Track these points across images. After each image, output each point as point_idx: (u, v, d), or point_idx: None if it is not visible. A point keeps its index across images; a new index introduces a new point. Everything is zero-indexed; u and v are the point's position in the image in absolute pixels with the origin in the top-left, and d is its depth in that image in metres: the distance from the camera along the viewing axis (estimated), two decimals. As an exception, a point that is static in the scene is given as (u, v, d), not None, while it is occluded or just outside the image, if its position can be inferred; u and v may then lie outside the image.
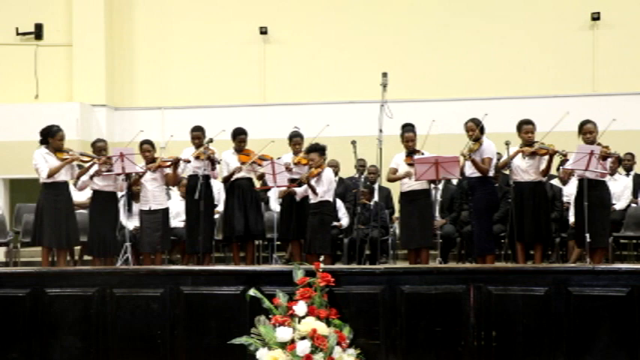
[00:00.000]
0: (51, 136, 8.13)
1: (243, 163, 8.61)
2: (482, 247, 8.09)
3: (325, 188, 8.33)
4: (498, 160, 8.43)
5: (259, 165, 8.63)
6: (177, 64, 13.18)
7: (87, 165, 8.36)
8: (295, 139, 8.86)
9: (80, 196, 9.13)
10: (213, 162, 8.56)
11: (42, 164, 8.02)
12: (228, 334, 5.24)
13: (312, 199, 8.32)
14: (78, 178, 8.46)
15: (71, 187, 8.59)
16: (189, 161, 8.63)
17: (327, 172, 8.46)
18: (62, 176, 8.14)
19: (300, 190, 8.43)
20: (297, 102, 12.50)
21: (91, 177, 8.42)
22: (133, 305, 5.61)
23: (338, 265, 8.03)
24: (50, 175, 8.00)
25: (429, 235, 8.17)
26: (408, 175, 8.08)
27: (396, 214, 9.48)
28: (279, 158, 8.73)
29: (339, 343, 5.04)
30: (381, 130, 7.44)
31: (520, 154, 7.90)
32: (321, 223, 8.31)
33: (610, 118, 7.69)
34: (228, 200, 8.78)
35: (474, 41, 12.56)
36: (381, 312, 5.33)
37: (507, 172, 8.12)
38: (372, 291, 5.36)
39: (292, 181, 8.51)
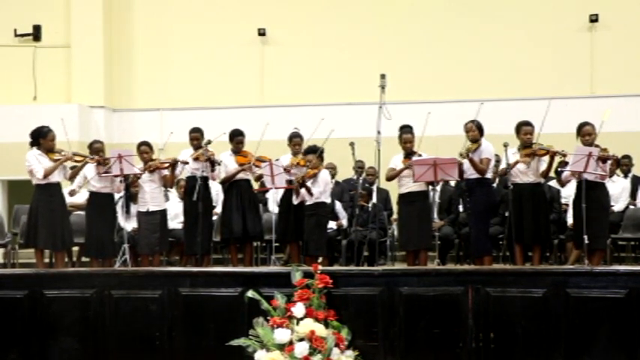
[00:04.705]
0: (42, 137, 8.13)
1: (242, 165, 8.61)
2: (480, 249, 8.10)
3: (321, 189, 8.34)
4: (498, 162, 8.44)
5: (257, 166, 8.64)
6: (175, 66, 13.17)
7: (80, 164, 8.36)
8: (295, 139, 8.85)
9: (77, 197, 9.13)
10: (213, 163, 8.55)
11: (36, 165, 8.02)
12: (226, 336, 5.24)
13: (308, 201, 8.32)
14: (71, 178, 8.46)
15: (65, 190, 8.59)
16: (187, 163, 8.63)
17: (324, 174, 8.47)
18: (55, 177, 8.15)
19: (300, 192, 8.40)
20: (296, 103, 12.49)
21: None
22: (131, 306, 5.61)
23: (336, 267, 8.03)
24: (46, 175, 8.00)
25: (427, 236, 8.17)
26: (409, 166, 8.02)
27: (395, 216, 9.48)
28: (277, 159, 8.73)
29: (337, 345, 5.04)
30: (379, 132, 7.44)
31: (518, 156, 7.92)
32: (316, 225, 8.32)
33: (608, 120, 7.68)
34: (226, 202, 8.78)
35: (472, 43, 12.58)
36: (380, 313, 5.33)
37: (507, 174, 8.11)
38: (370, 292, 5.37)
39: (290, 182, 8.51)
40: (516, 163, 7.86)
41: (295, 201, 8.46)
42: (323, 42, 12.89)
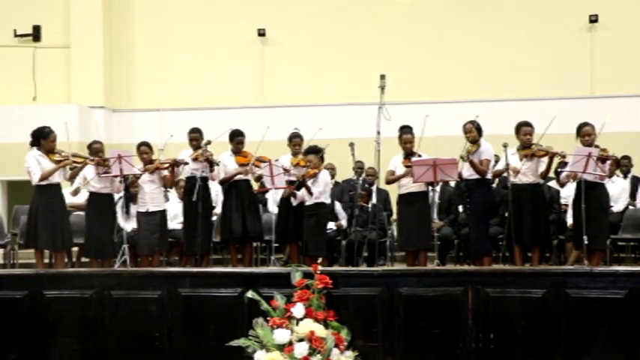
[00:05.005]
0: (43, 138, 8.12)
1: (242, 165, 8.61)
2: (479, 249, 8.10)
3: (321, 189, 8.35)
4: (496, 162, 8.44)
5: (257, 167, 8.64)
6: (175, 66, 13.18)
7: (79, 166, 8.35)
8: (295, 139, 8.86)
9: (77, 198, 9.14)
10: (211, 164, 8.55)
11: (34, 167, 8.00)
12: (226, 336, 5.23)
13: (308, 201, 8.32)
14: (71, 178, 8.46)
15: (65, 190, 8.59)
16: (186, 163, 8.63)
17: (324, 174, 8.48)
18: (55, 178, 8.14)
19: (299, 194, 8.41)
20: (296, 104, 12.49)
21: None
22: (131, 307, 5.61)
23: (336, 267, 8.02)
24: (42, 179, 7.98)
25: (427, 237, 8.17)
26: (407, 173, 8.06)
27: (394, 216, 9.48)
28: (276, 160, 8.73)
29: (336, 345, 5.04)
30: (379, 132, 7.45)
31: (517, 156, 7.94)
32: (316, 225, 8.32)
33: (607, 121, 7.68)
34: (226, 202, 8.78)
35: (472, 43, 12.58)
36: (379, 314, 5.32)
37: (505, 174, 8.13)
38: (370, 293, 5.36)
39: (290, 183, 8.50)
40: (507, 168, 7.87)
41: (294, 202, 8.46)
42: (323, 42, 12.89)
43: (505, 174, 8.09)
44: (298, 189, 8.33)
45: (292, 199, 8.45)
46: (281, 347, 4.97)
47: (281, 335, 5.00)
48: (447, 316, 5.26)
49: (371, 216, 8.98)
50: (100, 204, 8.58)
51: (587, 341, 5.08)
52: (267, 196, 9.83)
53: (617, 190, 9.45)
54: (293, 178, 8.48)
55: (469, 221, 8.42)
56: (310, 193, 8.27)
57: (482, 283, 5.26)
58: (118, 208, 8.98)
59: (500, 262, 8.33)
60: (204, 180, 8.50)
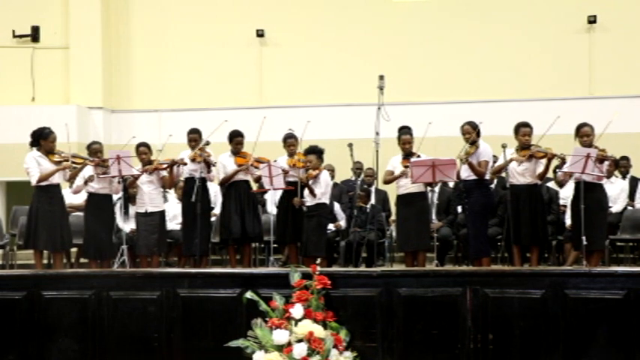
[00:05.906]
0: (43, 139, 8.11)
1: (240, 166, 8.60)
2: (478, 250, 8.09)
3: (322, 190, 8.35)
4: (495, 163, 8.44)
5: (256, 167, 8.63)
6: (174, 67, 13.18)
7: (79, 167, 8.34)
8: (289, 140, 8.83)
9: (76, 198, 9.13)
10: (209, 164, 8.54)
11: (33, 168, 7.99)
12: (224, 337, 5.23)
13: (309, 202, 8.32)
14: (70, 179, 8.45)
15: (65, 191, 8.58)
16: (185, 164, 8.62)
17: (324, 175, 8.48)
18: (55, 179, 8.12)
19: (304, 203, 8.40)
20: (294, 104, 12.48)
21: (86, 182, 8.41)
22: (129, 308, 5.60)
23: (335, 268, 8.02)
24: (40, 180, 7.97)
25: (425, 237, 8.17)
26: (404, 173, 8.06)
27: (393, 217, 9.48)
28: (275, 161, 8.72)
29: (335, 346, 5.03)
30: (377, 133, 7.44)
31: (513, 156, 7.93)
32: (317, 226, 8.32)
33: (606, 121, 7.67)
34: (225, 203, 8.77)
35: (471, 44, 12.59)
36: (378, 315, 5.32)
37: (504, 174, 8.13)
38: (368, 294, 5.36)
39: (289, 184, 8.50)
40: (510, 161, 7.88)
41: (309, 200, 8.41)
42: (321, 43, 12.90)
43: (504, 174, 8.09)
44: (295, 190, 8.30)
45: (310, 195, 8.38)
46: (280, 348, 4.97)
47: (280, 336, 4.99)
48: (445, 316, 5.26)
49: (370, 217, 8.98)
50: (98, 205, 8.57)
51: (585, 342, 5.08)
52: (266, 196, 9.83)
53: (616, 190, 9.45)
54: (292, 179, 8.47)
55: (468, 222, 8.42)
56: (313, 194, 8.27)
57: (480, 284, 5.26)
58: (117, 209, 8.97)
59: (499, 262, 8.34)
60: (203, 181, 8.49)
